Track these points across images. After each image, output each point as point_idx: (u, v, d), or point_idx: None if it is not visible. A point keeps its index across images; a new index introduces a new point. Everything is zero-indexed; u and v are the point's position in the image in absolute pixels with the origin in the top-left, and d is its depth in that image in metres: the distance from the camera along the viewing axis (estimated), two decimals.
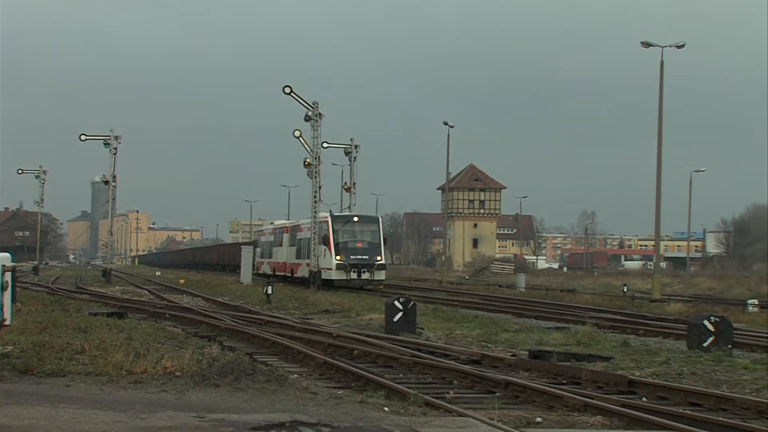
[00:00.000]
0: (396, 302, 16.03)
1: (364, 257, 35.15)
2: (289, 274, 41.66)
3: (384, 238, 38.62)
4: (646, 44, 30.79)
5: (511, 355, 11.95)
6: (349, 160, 39.51)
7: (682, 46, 30.57)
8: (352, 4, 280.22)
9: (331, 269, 34.35)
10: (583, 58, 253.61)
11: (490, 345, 13.98)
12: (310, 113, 34.13)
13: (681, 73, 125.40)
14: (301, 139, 35.17)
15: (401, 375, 10.49)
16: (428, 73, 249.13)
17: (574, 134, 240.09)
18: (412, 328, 15.36)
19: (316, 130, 34.48)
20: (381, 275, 35.63)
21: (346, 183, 40.91)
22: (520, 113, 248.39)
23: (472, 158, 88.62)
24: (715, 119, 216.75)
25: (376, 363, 11.50)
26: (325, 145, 36.67)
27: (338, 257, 34.49)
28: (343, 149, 40.00)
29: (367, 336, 13.96)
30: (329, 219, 36.13)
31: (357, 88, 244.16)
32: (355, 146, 39.44)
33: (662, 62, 30.01)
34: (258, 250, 50.66)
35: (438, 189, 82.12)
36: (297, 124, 35.08)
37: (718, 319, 14.07)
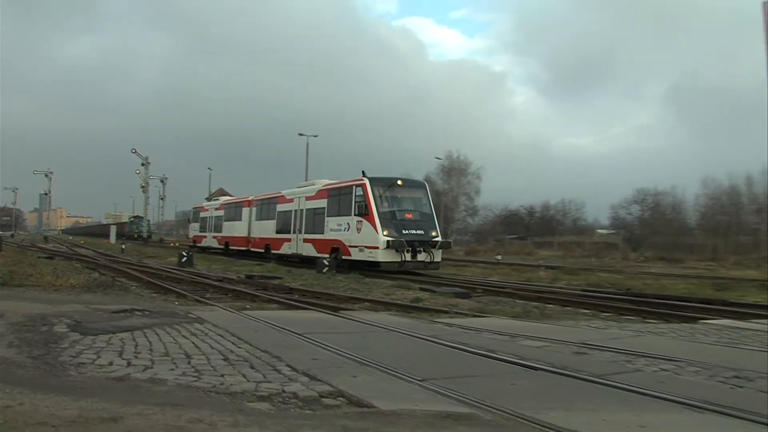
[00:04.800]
0: (183, 252, 27.48)
1: (418, 232, 25.30)
2: (262, 250, 34.94)
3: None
4: None
5: (237, 277, 20.17)
6: None
7: None
8: None
9: (376, 248, 24.21)
10: None
11: (228, 271, 22.63)
12: None
13: None
14: None
15: (185, 286, 16.58)
16: None
17: None
18: (191, 264, 25.01)
19: None
20: (438, 256, 25.48)
21: None
22: None
23: None
24: None
25: (173, 281, 18.25)
26: None
27: (385, 232, 24.38)
28: None
29: (171, 269, 22.40)
30: (367, 182, 25.65)
31: None
32: None
33: None
34: (196, 225, 49.29)
35: None
36: None
37: (328, 261, 24.45)
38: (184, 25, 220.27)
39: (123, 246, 45.58)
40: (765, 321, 11.15)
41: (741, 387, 5.60)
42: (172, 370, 5.69)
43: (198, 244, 46.86)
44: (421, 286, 18.37)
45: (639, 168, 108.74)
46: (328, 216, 28.36)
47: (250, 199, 39.00)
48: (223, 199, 46.45)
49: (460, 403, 4.65)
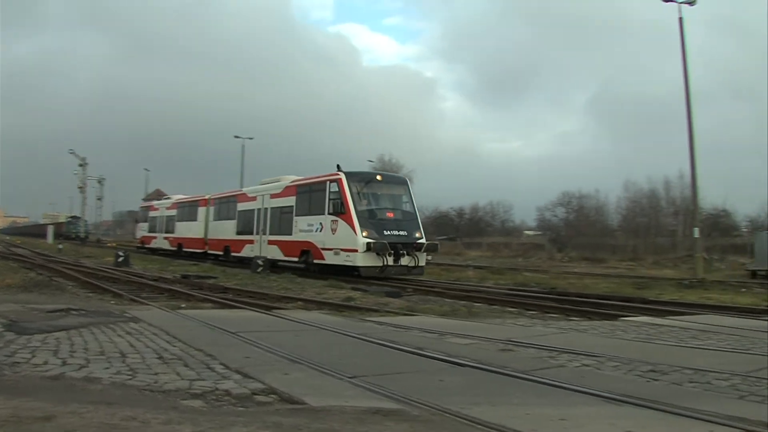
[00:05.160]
0: (119, 252, 27.42)
1: (401, 233, 22.71)
2: (220, 253, 32.33)
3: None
4: None
5: (173, 276, 20.14)
6: None
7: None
8: None
9: (354, 251, 21.69)
10: None
11: (164, 271, 22.41)
12: None
13: None
14: None
15: (121, 286, 16.66)
16: None
17: None
18: (128, 264, 24.71)
19: None
20: (423, 259, 23.04)
21: None
22: None
23: None
24: None
25: (109, 281, 18.08)
26: None
27: (364, 233, 21.80)
28: None
29: (107, 268, 22.26)
30: (343, 177, 23.02)
31: None
32: None
33: None
34: (144, 225, 46.08)
35: None
36: None
37: (262, 260, 24.58)
38: (120, 26, 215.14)
39: (60, 246, 44.78)
40: (680, 318, 11.65)
41: (656, 380, 5.83)
42: (107, 368, 5.70)
43: (146, 246, 44.56)
44: (353, 285, 18.51)
45: (564, 172, 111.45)
46: (297, 215, 25.84)
47: (207, 197, 36.47)
48: (176, 197, 43.26)
49: (388, 399, 4.76)
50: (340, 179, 23.18)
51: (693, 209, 28.57)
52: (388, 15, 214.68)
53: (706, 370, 6.16)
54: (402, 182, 25.65)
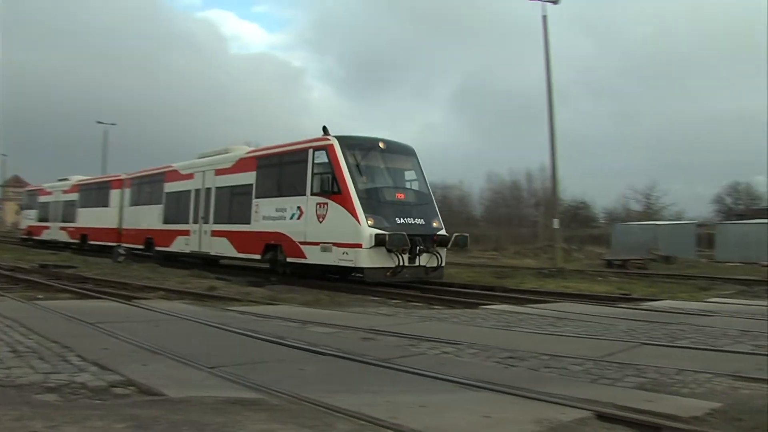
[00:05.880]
0: None
1: (417, 221, 17.07)
2: (139, 246, 26.26)
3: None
4: None
5: (30, 266, 19.47)
6: None
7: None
8: None
9: (356, 247, 15.93)
10: None
11: (21, 261, 22.02)
12: None
13: None
14: None
15: None
16: None
17: None
18: None
19: None
20: (444, 257, 17.44)
21: None
22: None
23: None
24: None
25: None
26: None
27: (370, 221, 16.10)
28: None
29: None
30: (335, 143, 17.12)
31: None
32: None
33: None
34: (31, 212, 39.82)
35: None
36: None
37: (124, 249, 24.16)
38: None
39: None
40: (539, 306, 12.15)
41: (514, 366, 6.05)
42: None
43: (35, 237, 38.47)
44: (217, 275, 18.27)
45: (429, 163, 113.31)
46: (258, 197, 19.81)
47: (121, 177, 30.35)
48: (77, 178, 36.01)
49: (248, 389, 4.77)
50: (331, 146, 17.11)
51: (553, 201, 29.82)
52: (256, 2, 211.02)
53: (561, 356, 6.43)
54: (410, 152, 19.05)
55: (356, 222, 16.08)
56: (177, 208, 24.18)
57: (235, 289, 14.92)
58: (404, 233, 15.90)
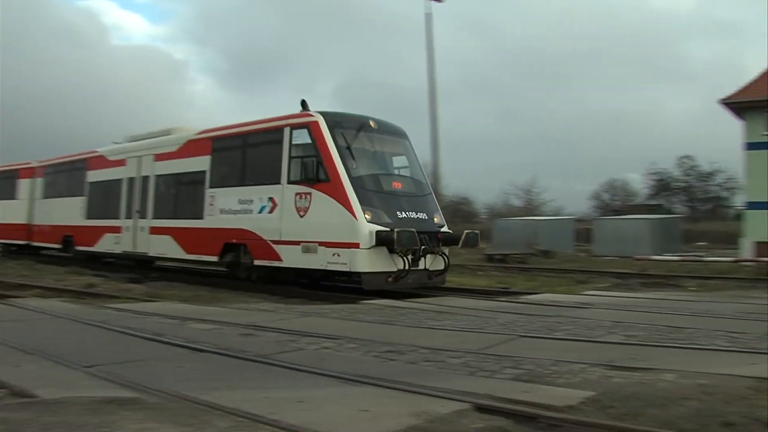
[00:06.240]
0: None
1: (419, 215, 14.08)
2: (56, 245, 22.89)
3: None
4: None
5: None
6: None
7: None
8: None
9: (353, 246, 12.79)
10: None
11: None
12: None
13: None
14: None
15: None
16: None
17: None
18: None
19: None
20: (447, 259, 14.70)
21: None
22: None
23: None
24: None
25: None
26: None
27: (367, 215, 12.96)
28: None
29: None
30: (320, 120, 13.90)
31: None
32: None
33: None
34: None
35: None
36: None
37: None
38: None
39: None
40: (419, 300, 12.19)
41: (393, 360, 6.09)
42: None
43: None
44: (95, 272, 17.66)
45: None
46: (213, 186, 16.35)
47: (33, 165, 25.84)
48: None
49: (125, 388, 4.67)
50: (315, 123, 13.94)
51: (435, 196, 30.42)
52: None
53: (441, 349, 6.52)
54: (403, 134, 15.78)
55: (351, 216, 12.97)
56: (104, 200, 20.41)
57: (114, 286, 14.47)
58: (413, 230, 13.03)
